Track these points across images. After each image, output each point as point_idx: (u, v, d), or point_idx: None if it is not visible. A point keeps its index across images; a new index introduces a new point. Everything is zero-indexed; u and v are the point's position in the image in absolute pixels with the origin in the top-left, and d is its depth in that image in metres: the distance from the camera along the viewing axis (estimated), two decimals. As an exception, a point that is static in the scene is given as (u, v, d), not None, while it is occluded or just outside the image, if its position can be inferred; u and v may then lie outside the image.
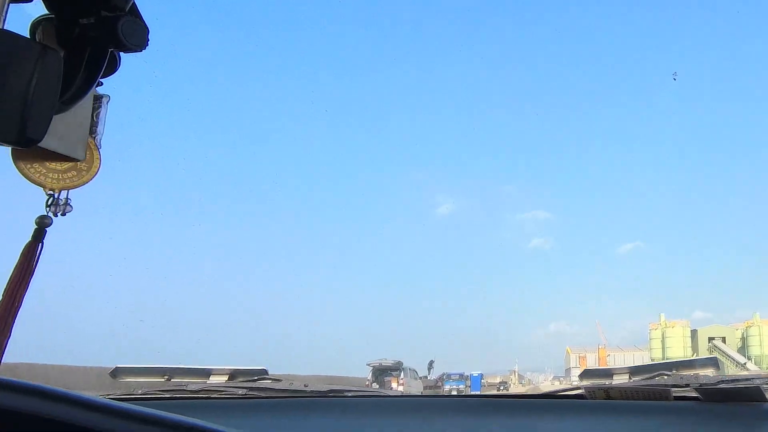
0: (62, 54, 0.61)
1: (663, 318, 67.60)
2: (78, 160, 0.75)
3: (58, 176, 0.77)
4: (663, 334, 65.43)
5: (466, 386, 36.45)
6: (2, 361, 0.66)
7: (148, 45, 0.65)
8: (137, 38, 0.63)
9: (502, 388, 54.07)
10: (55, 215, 0.79)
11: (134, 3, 0.66)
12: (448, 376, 37.94)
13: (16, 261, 0.70)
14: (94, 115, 0.77)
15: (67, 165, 0.77)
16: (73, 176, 0.78)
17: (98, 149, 0.79)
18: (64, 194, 0.80)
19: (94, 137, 0.78)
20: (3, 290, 0.68)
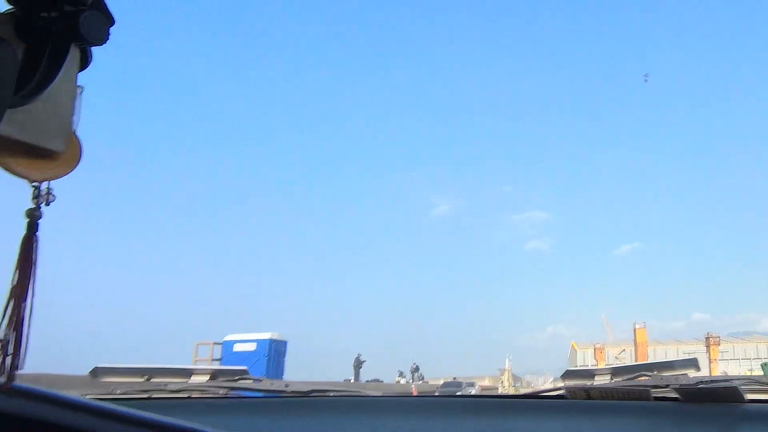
0: (22, 48, 0.60)
1: None
2: (59, 153, 0.74)
3: (42, 167, 0.76)
4: None
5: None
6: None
7: (109, 38, 0.64)
8: (98, 32, 0.62)
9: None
10: (38, 206, 0.79)
11: None
12: None
13: (17, 256, 0.69)
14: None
15: (50, 157, 0.76)
16: (56, 166, 0.78)
17: (79, 139, 0.79)
18: (45, 185, 0.80)
19: (73, 128, 0.78)
20: (10, 285, 0.68)
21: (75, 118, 0.79)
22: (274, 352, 16.65)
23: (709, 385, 1.29)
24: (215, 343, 17.27)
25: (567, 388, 1.34)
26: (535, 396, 1.41)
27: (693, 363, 1.53)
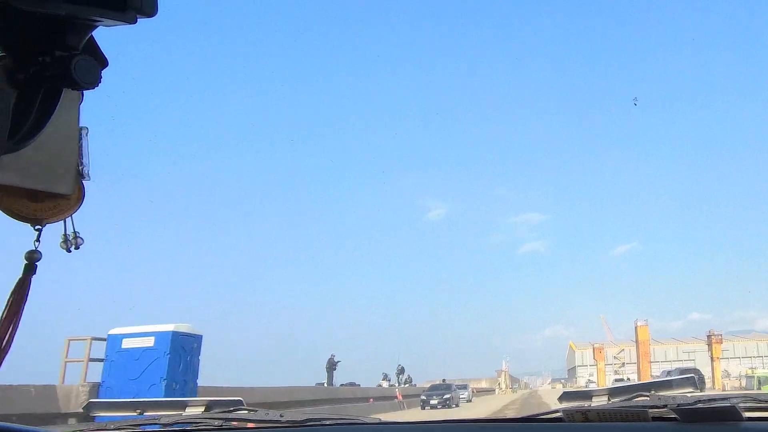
0: (14, 93, 0.60)
1: None
2: (66, 194, 0.75)
3: (42, 209, 0.76)
4: None
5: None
6: None
7: (101, 82, 0.64)
8: (90, 76, 0.63)
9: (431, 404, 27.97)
10: (68, 250, 0.80)
11: (92, 37, 0.65)
12: None
13: (8, 297, 0.69)
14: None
15: (51, 199, 0.77)
16: (53, 207, 0.78)
17: (81, 180, 0.79)
18: (71, 227, 0.80)
19: (81, 169, 0.77)
20: None
21: (85, 160, 0.79)
22: (180, 348, 12.76)
23: (707, 404, 1.28)
24: (94, 339, 13.47)
25: (564, 411, 1.32)
26: (531, 419, 1.39)
27: (691, 381, 1.52)
